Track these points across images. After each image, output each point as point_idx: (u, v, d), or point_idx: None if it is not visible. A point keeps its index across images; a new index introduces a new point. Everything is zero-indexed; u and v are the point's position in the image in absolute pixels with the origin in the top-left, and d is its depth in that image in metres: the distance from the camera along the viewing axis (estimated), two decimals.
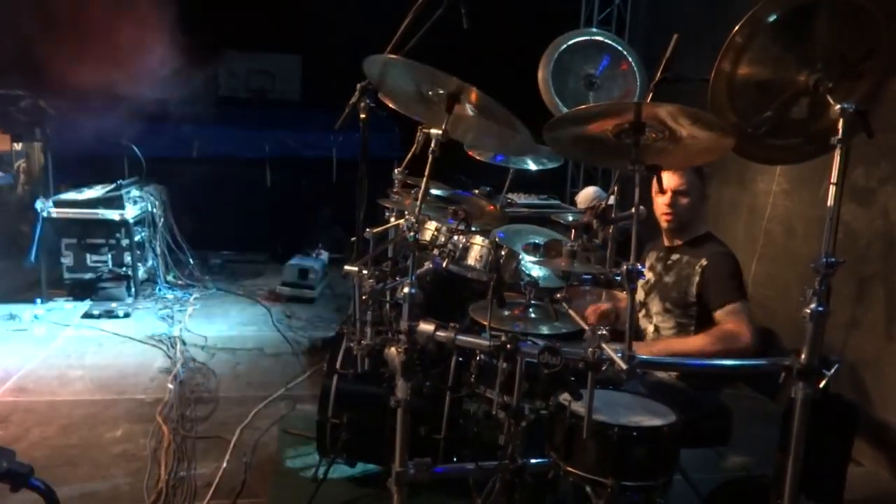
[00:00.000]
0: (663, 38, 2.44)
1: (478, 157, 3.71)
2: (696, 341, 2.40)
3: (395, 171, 3.17)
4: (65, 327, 4.63)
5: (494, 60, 5.68)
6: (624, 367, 1.76)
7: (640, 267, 1.83)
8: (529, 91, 3.12)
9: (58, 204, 5.06)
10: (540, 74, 3.26)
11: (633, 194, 1.89)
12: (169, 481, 2.85)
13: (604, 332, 1.83)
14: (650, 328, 2.62)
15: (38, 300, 4.87)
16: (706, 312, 2.46)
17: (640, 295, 2.62)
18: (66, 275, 5.13)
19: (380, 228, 3.00)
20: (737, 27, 1.81)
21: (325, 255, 6.03)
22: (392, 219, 3.19)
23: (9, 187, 5.71)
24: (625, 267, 1.81)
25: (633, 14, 6.38)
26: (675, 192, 2.53)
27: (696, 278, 2.48)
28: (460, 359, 2.76)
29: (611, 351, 1.79)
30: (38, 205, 5.22)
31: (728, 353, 2.30)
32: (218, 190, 6.79)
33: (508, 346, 1.96)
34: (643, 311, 2.64)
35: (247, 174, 6.87)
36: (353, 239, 3.13)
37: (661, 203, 2.56)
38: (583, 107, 1.95)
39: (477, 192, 3.67)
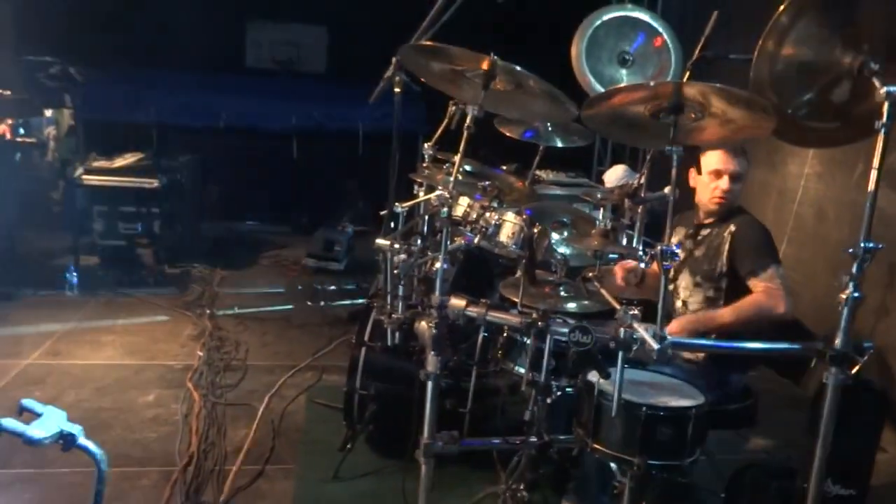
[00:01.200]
0: (699, 14, 2.40)
1: (507, 134, 3.69)
2: (729, 311, 2.38)
3: (425, 145, 3.17)
4: (97, 293, 4.73)
5: (525, 35, 5.61)
6: (655, 347, 1.77)
7: (674, 247, 1.83)
8: (561, 67, 3.10)
9: (89, 171, 5.13)
10: (573, 51, 3.22)
11: (663, 174, 1.89)
12: (200, 445, 2.93)
13: (635, 311, 1.84)
14: (678, 303, 2.62)
15: (71, 266, 4.96)
16: (737, 282, 2.44)
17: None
18: (98, 241, 5.21)
19: (410, 203, 3.02)
20: (782, 7, 1.78)
21: (350, 228, 6.07)
22: (421, 193, 3.20)
23: (39, 153, 5.80)
24: (659, 247, 1.81)
25: None
26: (732, 176, 2.51)
27: (726, 246, 2.47)
28: (486, 334, 2.79)
29: (642, 331, 1.80)
30: (70, 172, 5.30)
31: (763, 322, 2.28)
32: (245, 161, 6.84)
33: (539, 323, 1.98)
34: (671, 287, 2.63)
35: (273, 146, 6.90)
36: (383, 212, 3.16)
37: (714, 186, 2.53)
38: (622, 85, 1.93)
39: (505, 168, 3.67)
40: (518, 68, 2.03)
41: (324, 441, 2.98)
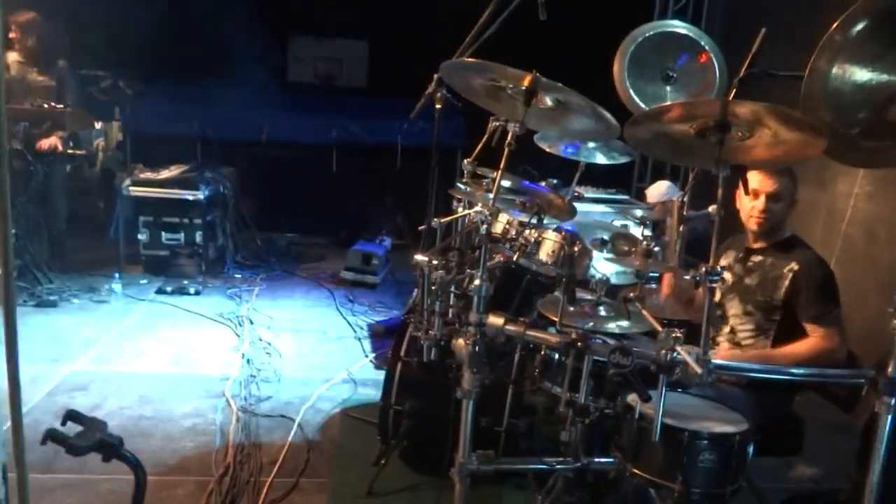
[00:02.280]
0: (744, 30, 2.36)
1: (547, 149, 3.67)
2: (789, 354, 2.37)
3: (465, 161, 3.17)
4: (140, 302, 4.83)
5: (566, 53, 5.59)
6: (699, 371, 1.72)
7: (719, 269, 1.79)
8: (603, 83, 3.07)
9: (136, 183, 5.26)
10: (615, 67, 3.19)
11: (708, 193, 1.85)
12: (236, 457, 2.95)
13: (678, 333, 1.80)
14: (725, 329, 2.56)
15: (116, 275, 5.08)
16: (791, 317, 2.40)
17: (716, 296, 2.57)
18: (142, 251, 5.33)
19: (449, 218, 3.02)
20: (836, 24, 1.73)
21: (388, 242, 6.09)
22: (460, 209, 3.20)
23: (88, 165, 5.96)
24: (703, 268, 1.77)
25: (711, 4, 6.18)
26: (769, 196, 2.46)
27: (786, 283, 2.42)
28: (523, 352, 2.75)
29: (685, 354, 1.76)
30: (118, 183, 5.44)
31: (819, 364, 2.27)
32: (285, 174, 6.93)
33: (579, 343, 1.95)
34: (718, 312, 2.57)
35: (313, 159, 6.98)
36: (422, 227, 3.16)
37: (751, 206, 2.49)
38: (666, 104, 1.90)
39: (545, 184, 3.65)
40: (560, 85, 2.02)
41: (358, 455, 2.97)
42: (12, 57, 5.01)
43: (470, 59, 2.14)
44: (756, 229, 2.53)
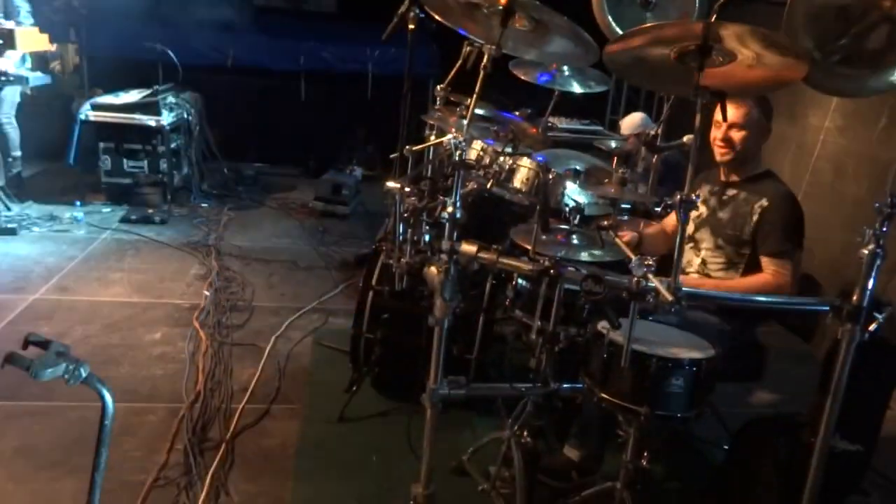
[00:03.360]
0: None
1: (522, 77, 3.59)
2: (736, 286, 2.40)
3: (437, 87, 3.09)
4: (103, 231, 4.71)
5: None
6: (670, 298, 1.73)
7: (694, 198, 1.79)
8: (580, 9, 2.98)
9: (95, 107, 5.05)
10: None
11: (684, 123, 1.82)
12: (207, 384, 2.94)
13: (650, 261, 1.80)
14: (696, 261, 2.58)
15: (78, 203, 4.93)
16: (757, 252, 2.42)
17: (689, 228, 2.57)
18: (104, 179, 5.17)
19: (421, 146, 2.96)
20: None
21: (358, 172, 6.00)
22: (433, 137, 3.13)
23: (49, 88, 5.70)
24: (678, 196, 1.76)
25: None
26: (731, 125, 2.43)
27: (755, 217, 2.42)
28: (495, 281, 2.76)
29: (657, 282, 1.77)
30: (75, 107, 5.22)
31: None
32: (252, 101, 6.73)
33: (551, 271, 1.94)
34: (691, 244, 2.59)
35: (281, 86, 6.77)
36: (394, 155, 3.10)
37: (716, 135, 2.47)
38: (647, 25, 1.84)
39: (519, 112, 3.58)
40: (539, 3, 1.94)
41: (329, 383, 2.99)
42: None
43: None
44: (720, 160, 2.52)
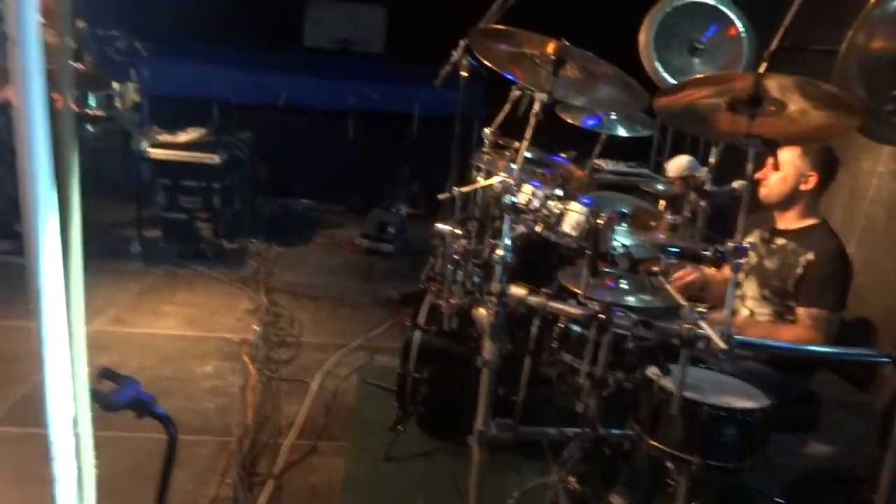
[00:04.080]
0: (775, 2, 2.33)
1: (569, 120, 3.64)
2: (768, 334, 2.38)
3: (486, 130, 3.16)
4: (158, 264, 4.87)
5: (591, 22, 5.50)
6: (723, 346, 1.73)
7: (746, 245, 1.79)
8: (626, 55, 3.03)
9: (154, 145, 5.27)
10: (641, 38, 3.15)
11: (731, 168, 1.83)
12: (255, 418, 3.00)
13: (702, 308, 1.80)
14: (743, 311, 2.55)
15: (134, 236, 5.11)
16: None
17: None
18: (160, 213, 5.36)
19: (469, 188, 3.02)
20: None
21: (403, 211, 6.09)
22: (480, 178, 3.19)
23: (108, 125, 5.96)
24: (731, 243, 1.77)
25: None
26: (772, 166, 2.42)
27: (799, 271, 2.39)
28: (542, 323, 2.76)
29: (709, 329, 1.76)
30: (135, 144, 5.44)
31: None
32: (301, 139, 6.91)
33: (601, 315, 1.96)
34: (738, 292, 2.56)
35: (330, 125, 6.95)
36: (442, 196, 3.16)
37: (758, 176, 2.46)
38: (698, 76, 1.88)
39: (565, 155, 3.62)
40: (590, 54, 2.00)
41: (375, 421, 3.02)
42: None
43: (499, 27, 2.11)
44: (760, 198, 2.51)
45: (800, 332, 2.33)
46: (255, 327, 3.95)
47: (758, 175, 2.45)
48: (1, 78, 4.71)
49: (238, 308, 4.26)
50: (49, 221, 0.82)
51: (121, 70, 6.08)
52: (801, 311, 2.36)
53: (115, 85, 5.89)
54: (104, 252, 4.94)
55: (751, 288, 2.53)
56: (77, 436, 0.87)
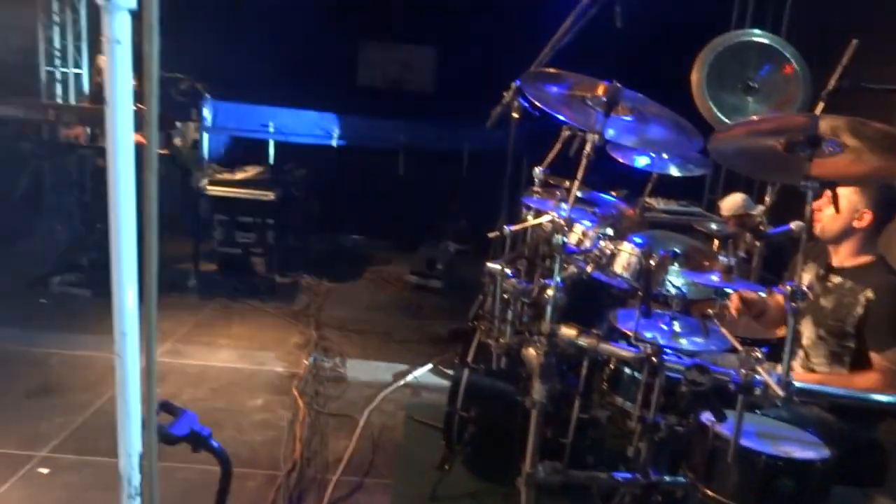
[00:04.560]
0: (828, 40, 2.29)
1: (619, 160, 3.62)
2: (844, 382, 2.29)
3: (536, 169, 3.17)
4: (213, 297, 5.00)
5: (643, 62, 5.51)
6: (781, 393, 1.68)
7: (804, 288, 1.74)
8: (678, 93, 3.02)
9: (213, 182, 5.45)
10: (694, 77, 3.14)
11: (787, 206, 1.80)
12: (303, 453, 3.02)
13: (759, 353, 1.76)
14: (799, 352, 2.47)
15: (192, 271, 5.27)
16: (864, 347, 2.29)
17: None
18: (217, 248, 5.52)
19: (519, 226, 3.03)
20: None
21: (452, 248, 6.13)
22: (530, 217, 3.20)
23: (168, 162, 6.22)
24: (789, 286, 1.73)
25: (794, 13, 5.97)
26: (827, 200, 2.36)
27: (859, 310, 2.30)
28: (591, 364, 2.73)
29: (766, 375, 1.72)
30: (195, 182, 5.65)
31: None
32: (353, 176, 7.06)
33: (653, 358, 1.93)
34: None
35: (381, 162, 7.10)
36: (492, 234, 3.18)
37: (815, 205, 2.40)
38: (754, 117, 1.86)
39: (615, 194, 3.61)
40: (642, 96, 2.00)
41: (422, 459, 3.00)
42: (104, 61, 5.27)
43: (551, 70, 2.14)
44: (815, 233, 2.44)
45: (877, 377, 2.24)
46: (305, 361, 4.00)
47: (814, 204, 2.39)
48: (76, 117, 4.98)
49: (289, 342, 4.33)
50: (132, 259, 0.87)
51: (182, 110, 6.35)
52: (876, 357, 2.27)
53: (178, 124, 6.15)
54: (162, 284, 5.07)
55: (806, 328, 2.45)
56: (148, 470, 0.90)
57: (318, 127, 6.94)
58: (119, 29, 0.82)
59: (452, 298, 5.47)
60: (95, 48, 5.68)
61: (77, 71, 6.65)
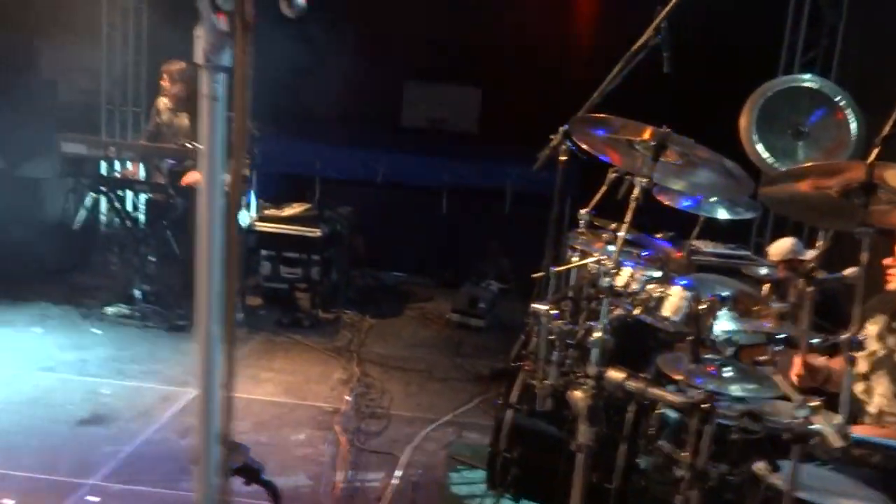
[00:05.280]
0: (882, 83, 2.27)
1: (665, 202, 3.62)
2: None
3: (581, 210, 3.18)
4: (259, 331, 5.08)
5: (689, 106, 5.52)
6: (838, 444, 1.63)
7: (860, 338, 1.71)
8: (725, 137, 3.02)
9: (261, 218, 5.59)
10: (742, 122, 3.14)
11: (843, 252, 1.77)
12: (345, 489, 3.03)
13: (816, 402, 1.72)
14: (870, 408, 2.37)
15: (238, 305, 5.38)
16: None
17: (862, 366, 2.39)
18: (262, 283, 5.63)
19: (564, 267, 3.03)
20: None
21: (495, 286, 6.13)
22: (574, 258, 3.20)
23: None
24: (846, 335, 1.70)
25: (844, 57, 5.92)
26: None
27: None
28: (637, 408, 2.68)
29: (823, 425, 1.68)
30: (244, 218, 5.80)
31: None
32: (396, 213, 7.15)
33: (705, 405, 1.90)
34: (863, 386, 2.39)
35: (424, 200, 7.19)
36: (537, 275, 3.19)
37: (888, 262, 2.35)
38: (807, 164, 1.86)
39: (661, 235, 3.59)
40: (692, 141, 2.01)
41: (464, 499, 2.98)
42: (163, 103, 5.52)
43: (600, 115, 2.17)
44: (890, 287, 2.37)
45: None
46: (347, 398, 4.02)
47: (886, 261, 2.34)
48: (136, 154, 5.19)
49: (331, 377, 4.36)
50: (219, 299, 0.94)
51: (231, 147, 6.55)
52: None
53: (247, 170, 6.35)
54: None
55: (881, 384, 2.34)
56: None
57: (363, 165, 7.09)
58: (217, 87, 0.88)
59: (494, 337, 5.46)
60: (153, 90, 5.93)
61: (135, 110, 6.94)
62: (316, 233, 5.51)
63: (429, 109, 7.94)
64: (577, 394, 2.10)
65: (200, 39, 0.85)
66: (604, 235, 2.82)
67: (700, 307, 2.11)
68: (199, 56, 0.88)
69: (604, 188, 3.07)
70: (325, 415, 3.81)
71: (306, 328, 5.22)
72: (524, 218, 6.21)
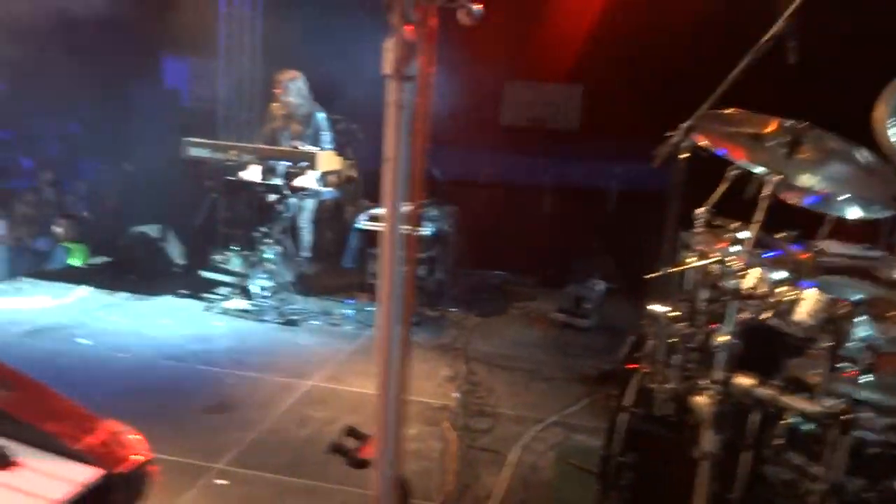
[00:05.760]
0: None
1: (789, 200, 3.43)
2: None
3: (697, 210, 3.07)
4: (368, 327, 5.23)
5: (815, 98, 5.21)
6: None
7: None
8: (855, 130, 2.83)
9: (371, 218, 5.75)
10: (877, 113, 2.94)
11: None
12: (455, 486, 3.06)
13: None
14: None
15: (349, 301, 5.56)
16: None
17: None
18: (371, 280, 5.78)
19: (680, 268, 2.93)
20: None
21: (601, 286, 6.02)
22: (691, 259, 3.09)
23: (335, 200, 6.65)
24: None
25: None
26: None
27: None
28: (763, 417, 2.56)
29: None
30: (349, 216, 5.99)
31: None
32: (499, 212, 7.17)
33: (845, 415, 1.79)
34: None
35: (526, 199, 7.17)
36: (651, 275, 3.10)
37: None
38: None
39: (784, 235, 3.40)
40: (833, 135, 1.90)
41: (575, 502, 2.95)
42: (276, 108, 5.79)
43: (730, 110, 2.09)
44: None
45: None
46: (455, 395, 4.07)
47: None
48: (255, 157, 5.48)
49: (438, 374, 4.42)
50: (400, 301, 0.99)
51: (339, 149, 6.79)
52: None
53: (343, 165, 6.57)
54: (323, 314, 5.41)
55: None
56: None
57: (467, 165, 7.15)
58: (406, 96, 0.95)
59: (600, 337, 5.37)
60: (267, 97, 6.22)
61: (249, 115, 7.30)
62: (423, 231, 5.60)
63: (530, 108, 7.91)
64: (702, 399, 2.04)
65: (389, 51, 0.91)
66: (725, 235, 2.70)
67: (839, 311, 1.98)
68: (388, 66, 0.92)
69: (723, 186, 2.95)
70: (433, 411, 3.86)
71: (413, 325, 5.30)
72: (628, 216, 6.07)
